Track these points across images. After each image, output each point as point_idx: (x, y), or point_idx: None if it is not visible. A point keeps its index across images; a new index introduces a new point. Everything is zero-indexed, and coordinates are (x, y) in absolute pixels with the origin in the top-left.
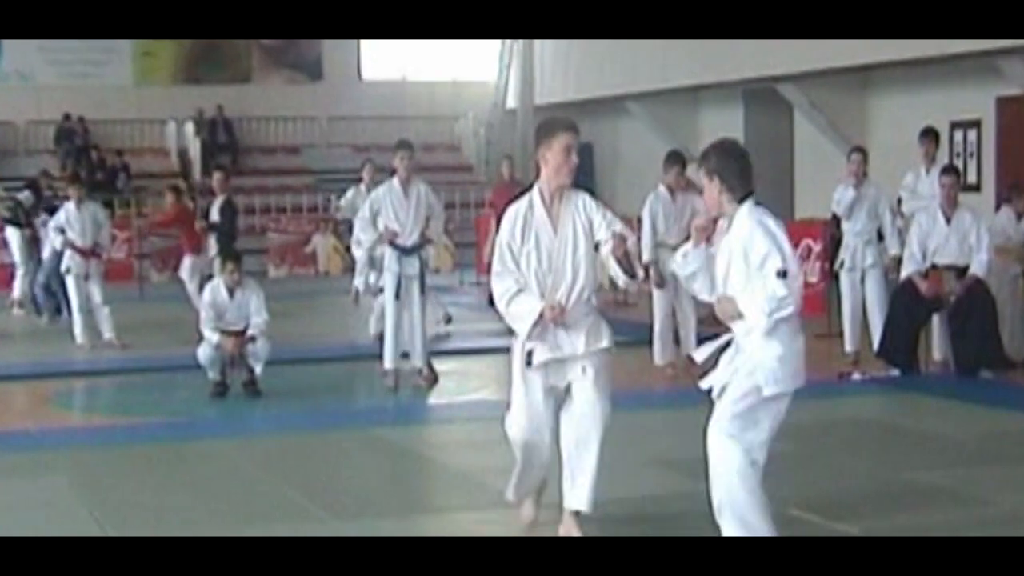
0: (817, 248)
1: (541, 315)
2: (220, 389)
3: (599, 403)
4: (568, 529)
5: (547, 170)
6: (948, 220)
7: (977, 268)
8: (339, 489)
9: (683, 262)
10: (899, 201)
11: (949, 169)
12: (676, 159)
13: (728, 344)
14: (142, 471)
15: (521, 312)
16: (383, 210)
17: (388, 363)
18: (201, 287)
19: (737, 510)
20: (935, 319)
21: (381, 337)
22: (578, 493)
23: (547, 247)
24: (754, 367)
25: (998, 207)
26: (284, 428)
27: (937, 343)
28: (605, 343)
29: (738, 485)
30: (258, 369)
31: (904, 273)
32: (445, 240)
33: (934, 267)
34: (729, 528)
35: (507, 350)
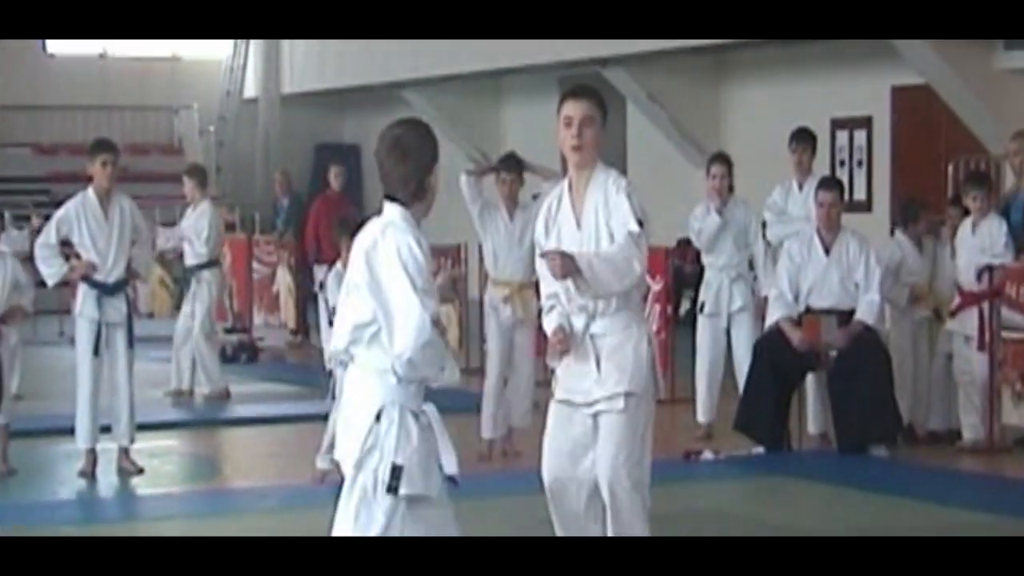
0: (657, 287)
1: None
2: None
3: (622, 483)
4: None
5: None
6: (827, 250)
7: (865, 312)
8: None
9: None
10: (763, 225)
11: (829, 182)
12: (512, 164)
13: None
14: None
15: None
16: (75, 234)
17: (83, 441)
18: None
19: None
20: (810, 380)
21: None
22: None
23: (568, 244)
24: None
25: (894, 231)
26: None
27: (813, 411)
28: (627, 385)
29: None
30: None
31: (770, 320)
32: (159, 272)
33: (809, 311)
34: None
35: (253, 421)
